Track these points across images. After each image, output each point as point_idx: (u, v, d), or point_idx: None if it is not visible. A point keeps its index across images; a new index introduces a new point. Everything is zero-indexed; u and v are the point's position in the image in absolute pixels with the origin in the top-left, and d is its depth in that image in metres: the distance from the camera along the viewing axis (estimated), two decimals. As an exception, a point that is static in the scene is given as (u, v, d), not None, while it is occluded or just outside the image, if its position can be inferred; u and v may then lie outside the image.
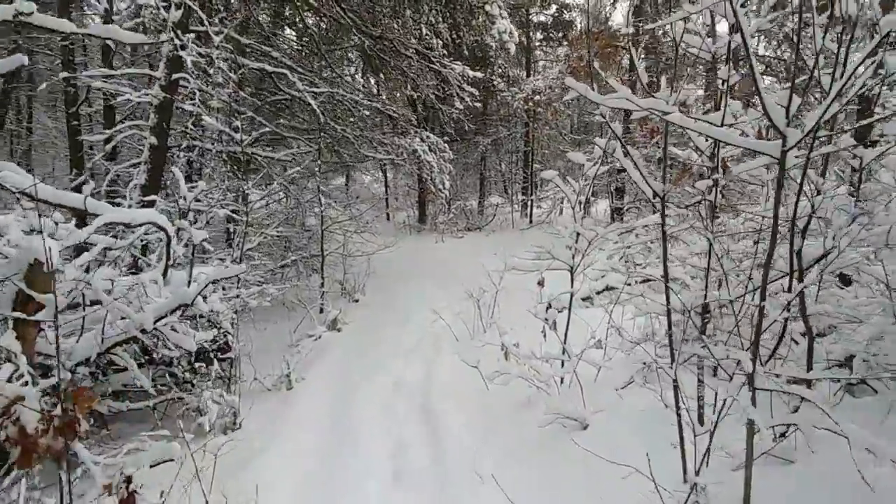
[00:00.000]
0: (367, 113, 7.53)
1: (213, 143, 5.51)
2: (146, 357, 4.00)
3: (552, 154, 21.15)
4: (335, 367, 5.42)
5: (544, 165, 20.86)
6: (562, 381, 4.08)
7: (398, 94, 10.75)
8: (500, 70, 15.88)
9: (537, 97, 12.31)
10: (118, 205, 5.40)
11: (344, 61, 11.35)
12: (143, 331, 3.27)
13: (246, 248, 5.44)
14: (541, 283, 6.80)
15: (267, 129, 6.31)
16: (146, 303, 3.64)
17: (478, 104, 9.18)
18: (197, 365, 4.35)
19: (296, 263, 7.38)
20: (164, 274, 3.94)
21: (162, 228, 3.61)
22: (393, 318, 6.93)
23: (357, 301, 7.76)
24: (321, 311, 6.95)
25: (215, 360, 4.59)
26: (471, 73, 8.14)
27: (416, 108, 13.04)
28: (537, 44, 19.71)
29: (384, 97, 8.86)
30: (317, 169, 6.59)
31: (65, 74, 5.74)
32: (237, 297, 4.95)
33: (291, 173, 5.79)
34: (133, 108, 7.47)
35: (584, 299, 5.90)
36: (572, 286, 4.34)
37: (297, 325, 6.62)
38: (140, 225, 3.30)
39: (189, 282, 3.57)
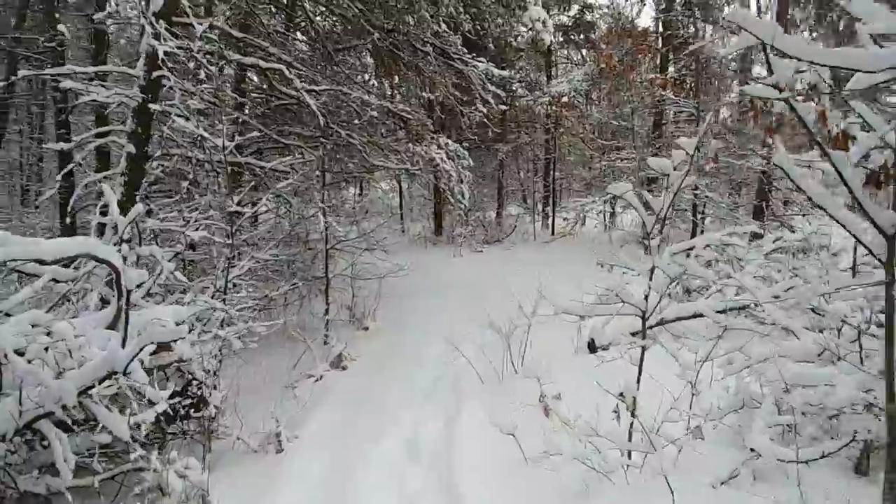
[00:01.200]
0: (377, 115, 6.65)
1: (192, 151, 4.71)
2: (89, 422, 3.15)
3: (575, 162, 20.22)
4: (337, 418, 4.51)
5: (565, 174, 19.98)
6: (629, 458, 3.11)
7: (413, 98, 9.92)
8: (521, 74, 15.03)
9: (564, 99, 11.39)
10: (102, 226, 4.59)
11: (355, 64, 10.56)
12: (64, 406, 2.40)
13: (233, 276, 4.59)
14: (592, 347, 5.86)
15: (257, 134, 5.48)
16: (86, 360, 2.78)
17: (503, 106, 8.27)
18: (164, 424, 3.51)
19: (297, 287, 6.53)
20: (117, 319, 3.08)
21: (103, 261, 2.75)
22: (406, 352, 6.02)
23: (366, 329, 6.87)
24: (326, 341, 6.07)
25: (187, 419, 3.74)
26: (496, 71, 7.25)
27: (433, 113, 12.22)
28: (557, 46, 18.78)
29: (398, 100, 8.01)
30: (317, 179, 5.73)
31: (24, 73, 4.98)
32: (218, 337, 4.09)
33: (285, 185, 4.92)
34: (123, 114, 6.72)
35: (634, 333, 4.93)
36: (643, 336, 3.39)
37: (297, 359, 5.75)
38: (62, 260, 2.44)
39: (124, 339, 2.70)
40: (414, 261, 11.53)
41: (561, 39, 18.84)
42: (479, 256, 12.39)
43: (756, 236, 7.91)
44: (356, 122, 6.27)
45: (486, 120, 8.26)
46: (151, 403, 2.96)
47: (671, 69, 12.72)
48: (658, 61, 13.47)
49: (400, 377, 5.34)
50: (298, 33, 9.27)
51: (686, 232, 12.79)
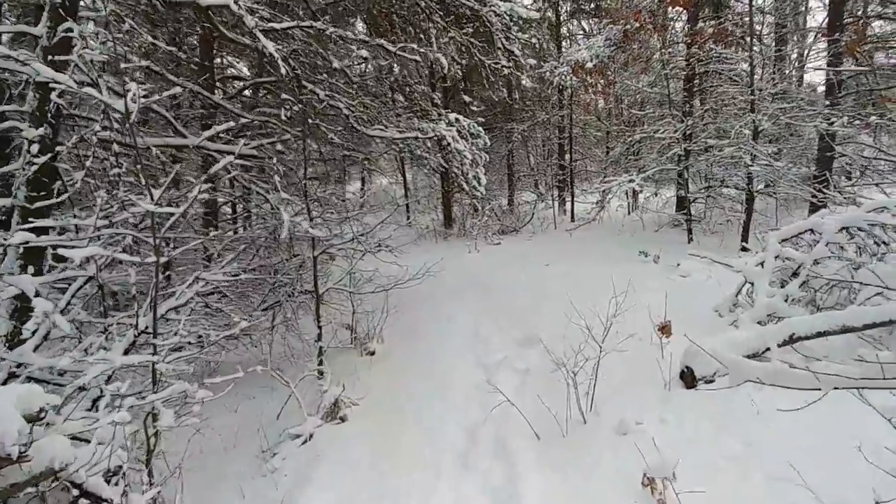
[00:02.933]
0: (371, 83, 5.10)
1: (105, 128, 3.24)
2: None
3: (592, 142, 18.61)
4: (331, 509, 3.08)
5: (582, 155, 18.39)
6: None
7: (413, 70, 8.42)
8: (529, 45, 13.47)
9: (589, 65, 9.80)
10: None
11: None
12: None
13: (170, 308, 3.14)
14: (665, 330, 4.38)
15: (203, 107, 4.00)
16: None
17: (532, 61, 6.70)
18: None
19: (278, 307, 5.08)
20: None
21: None
22: (425, 388, 4.54)
23: (372, 353, 5.41)
24: (319, 375, 4.61)
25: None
26: (521, 11, 5.68)
27: (435, 88, 10.74)
28: (566, 17, 17.12)
29: (395, 70, 6.49)
30: (283, 165, 4.24)
31: None
32: (145, 402, 2.65)
33: (217, 169, 3.40)
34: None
35: (753, 356, 3.46)
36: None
37: (281, 406, 4.30)
38: None
39: None
40: (425, 258, 10.07)
41: (571, 10, 17.21)
42: (496, 250, 10.89)
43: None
44: (333, 79, 4.70)
45: (502, 86, 6.65)
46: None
47: (703, 24, 11.07)
48: (686, 18, 11.81)
49: (419, 429, 3.88)
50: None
51: (732, 213, 11.22)
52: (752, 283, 4.58)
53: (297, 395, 4.03)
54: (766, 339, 3.49)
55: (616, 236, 11.33)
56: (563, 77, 10.88)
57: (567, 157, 16.28)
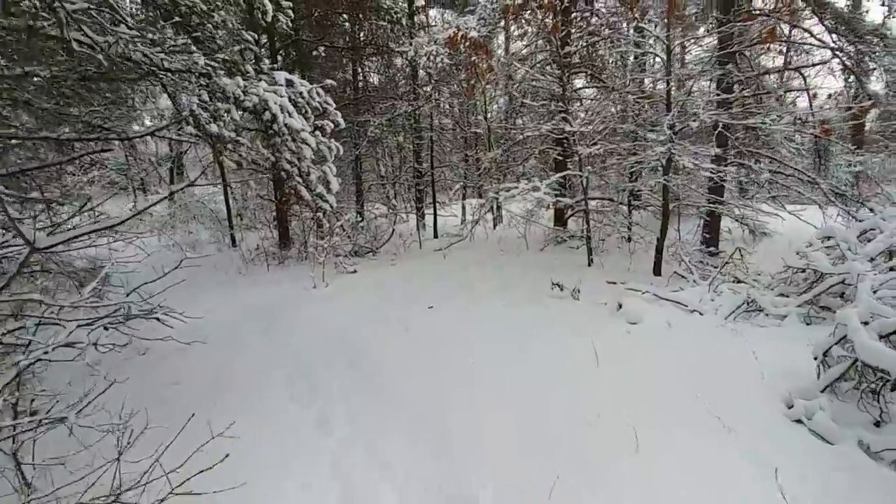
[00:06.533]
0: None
1: None
2: None
3: (452, 146, 16.72)
4: None
5: (441, 162, 16.39)
6: None
7: None
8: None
9: (473, 34, 7.53)
10: None
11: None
12: None
13: None
14: None
15: None
16: None
17: None
18: None
19: None
20: None
21: None
22: None
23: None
24: None
25: None
26: None
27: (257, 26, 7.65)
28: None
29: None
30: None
31: None
32: None
33: None
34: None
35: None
36: None
37: None
38: None
39: None
40: (239, 303, 6.83)
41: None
42: (353, 282, 8.05)
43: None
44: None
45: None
46: None
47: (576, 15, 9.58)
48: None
49: None
50: None
51: (619, 229, 9.86)
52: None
53: None
54: None
55: (500, 258, 9.24)
56: (432, 57, 8.53)
57: (427, 163, 14.10)
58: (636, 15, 6.79)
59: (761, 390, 3.08)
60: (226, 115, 3.66)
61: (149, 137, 7.47)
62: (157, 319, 3.54)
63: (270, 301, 6.84)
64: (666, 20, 6.70)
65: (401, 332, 5.06)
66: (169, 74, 3.27)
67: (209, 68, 3.73)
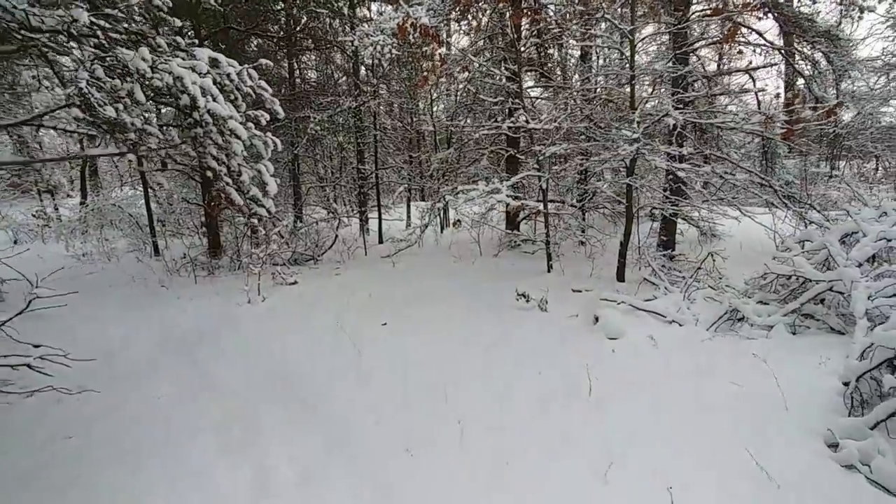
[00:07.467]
0: None
1: None
2: None
3: (396, 146, 15.99)
4: None
5: (385, 163, 15.64)
6: None
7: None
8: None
9: (423, 20, 6.90)
10: None
11: None
12: None
13: None
14: None
15: None
16: None
17: None
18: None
19: None
20: None
21: None
22: None
23: None
24: None
25: None
26: None
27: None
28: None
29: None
30: None
31: None
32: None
33: None
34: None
35: None
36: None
37: None
38: None
39: None
40: (159, 327, 5.82)
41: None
42: (293, 295, 7.20)
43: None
44: None
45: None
46: None
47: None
48: None
49: None
50: None
51: (573, 232, 9.54)
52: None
53: None
54: None
55: (454, 265, 8.65)
56: (379, 48, 7.84)
57: (371, 164, 13.32)
58: (602, 4, 6.42)
59: (792, 425, 2.64)
60: (126, 97, 2.84)
61: (52, 131, 6.30)
62: (29, 367, 2.66)
63: (197, 322, 5.90)
64: (630, 13, 6.37)
65: (353, 360, 4.35)
66: (40, 37, 2.43)
67: (105, 37, 2.90)
